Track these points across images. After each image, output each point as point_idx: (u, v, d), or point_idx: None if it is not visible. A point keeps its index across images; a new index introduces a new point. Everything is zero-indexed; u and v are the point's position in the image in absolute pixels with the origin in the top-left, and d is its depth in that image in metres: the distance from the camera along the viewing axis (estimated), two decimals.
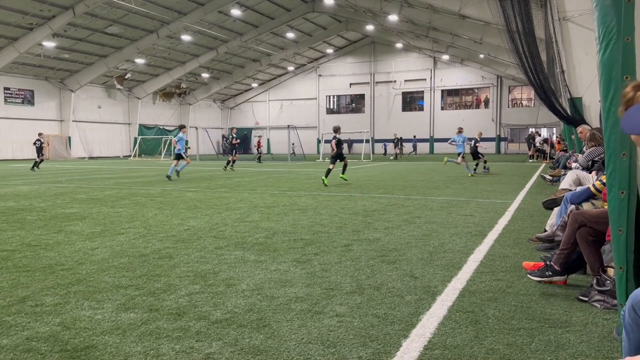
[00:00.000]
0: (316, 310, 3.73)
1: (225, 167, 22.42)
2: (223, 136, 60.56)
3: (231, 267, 5.02)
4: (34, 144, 24.69)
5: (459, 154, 18.81)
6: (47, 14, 31.26)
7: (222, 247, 5.95)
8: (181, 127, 18.29)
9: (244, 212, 8.91)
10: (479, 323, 3.44)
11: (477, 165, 19.35)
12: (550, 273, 4.17)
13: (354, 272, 4.78)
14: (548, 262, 4.25)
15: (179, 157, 17.08)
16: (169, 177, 16.50)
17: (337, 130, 15.10)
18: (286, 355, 2.96)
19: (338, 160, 15.19)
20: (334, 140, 15.06)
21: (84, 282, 4.48)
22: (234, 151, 23.37)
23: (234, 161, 22.90)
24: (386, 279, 4.55)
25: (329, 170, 14.78)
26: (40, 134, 25.63)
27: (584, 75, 10.07)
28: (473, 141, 19.34)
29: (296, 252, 5.70)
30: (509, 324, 3.42)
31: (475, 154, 19.17)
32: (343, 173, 15.53)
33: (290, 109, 59.04)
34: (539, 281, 4.23)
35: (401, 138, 40.98)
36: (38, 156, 24.04)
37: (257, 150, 35.27)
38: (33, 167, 23.55)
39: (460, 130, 19.20)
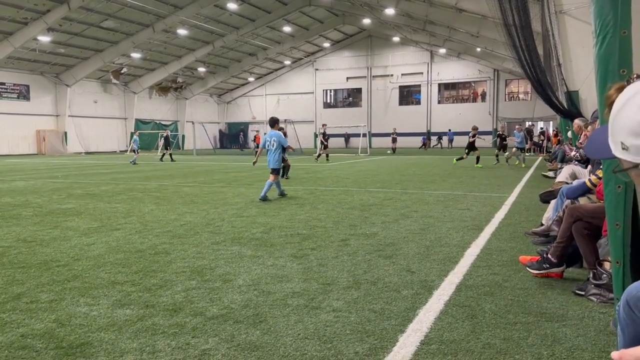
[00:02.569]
0: (313, 305, 3.72)
1: (317, 158, 26.02)
2: (220, 131, 60.50)
3: (228, 262, 5.01)
4: (161, 138, 28.11)
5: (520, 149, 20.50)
6: (41, 8, 31.01)
7: (219, 243, 5.94)
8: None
9: (240, 207, 8.89)
10: (475, 317, 3.44)
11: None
12: (548, 265, 4.18)
13: (351, 267, 4.78)
14: (545, 255, 4.26)
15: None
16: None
17: (476, 128, 19.80)
18: (283, 350, 2.95)
19: (470, 151, 19.34)
20: (472, 134, 19.40)
21: (79, 279, 4.47)
22: (324, 145, 26.14)
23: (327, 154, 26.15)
24: (383, 273, 4.55)
25: (461, 158, 19.91)
26: (166, 129, 28.21)
27: (580, 68, 10.04)
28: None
29: (293, 247, 5.69)
30: (506, 318, 3.43)
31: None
32: (477, 162, 19.36)
33: (287, 103, 58.86)
34: (537, 274, 4.24)
35: (449, 131, 43.91)
36: (166, 148, 27.51)
37: (257, 145, 35.20)
38: (163, 157, 26.89)
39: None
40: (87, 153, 42.60)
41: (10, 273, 4.67)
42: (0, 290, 4.14)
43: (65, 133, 42.16)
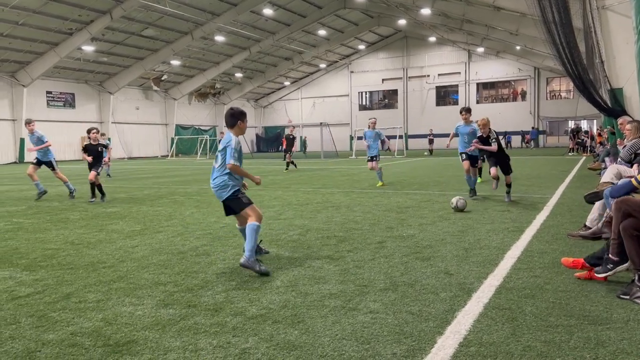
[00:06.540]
0: (350, 306, 3.74)
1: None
2: (257, 135, 61.20)
3: (266, 264, 5.08)
4: (286, 138, 21.68)
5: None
6: (85, 18, 32.16)
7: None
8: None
9: (277, 210, 8.99)
10: (515, 320, 3.39)
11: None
12: (612, 265, 4.09)
13: (388, 269, 4.78)
14: (606, 256, 4.16)
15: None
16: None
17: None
18: (321, 351, 2.99)
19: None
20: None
21: (124, 279, 4.63)
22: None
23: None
24: (420, 275, 4.53)
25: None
26: (290, 128, 23.31)
27: (624, 65, 9.73)
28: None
29: (329, 249, 5.73)
30: (547, 320, 3.36)
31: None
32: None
33: (323, 106, 59.05)
34: (605, 277, 4.15)
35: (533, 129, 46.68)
36: (287, 154, 21.16)
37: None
38: (289, 166, 20.93)
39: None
40: (130, 158, 43.83)
41: (59, 274, 4.88)
42: (51, 290, 4.33)
43: (109, 139, 43.48)
